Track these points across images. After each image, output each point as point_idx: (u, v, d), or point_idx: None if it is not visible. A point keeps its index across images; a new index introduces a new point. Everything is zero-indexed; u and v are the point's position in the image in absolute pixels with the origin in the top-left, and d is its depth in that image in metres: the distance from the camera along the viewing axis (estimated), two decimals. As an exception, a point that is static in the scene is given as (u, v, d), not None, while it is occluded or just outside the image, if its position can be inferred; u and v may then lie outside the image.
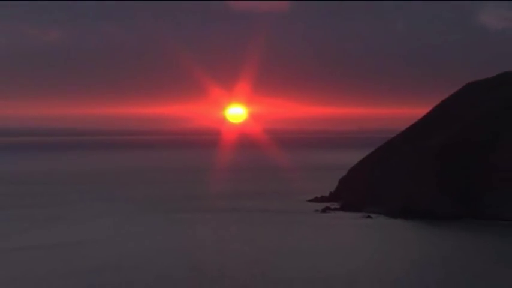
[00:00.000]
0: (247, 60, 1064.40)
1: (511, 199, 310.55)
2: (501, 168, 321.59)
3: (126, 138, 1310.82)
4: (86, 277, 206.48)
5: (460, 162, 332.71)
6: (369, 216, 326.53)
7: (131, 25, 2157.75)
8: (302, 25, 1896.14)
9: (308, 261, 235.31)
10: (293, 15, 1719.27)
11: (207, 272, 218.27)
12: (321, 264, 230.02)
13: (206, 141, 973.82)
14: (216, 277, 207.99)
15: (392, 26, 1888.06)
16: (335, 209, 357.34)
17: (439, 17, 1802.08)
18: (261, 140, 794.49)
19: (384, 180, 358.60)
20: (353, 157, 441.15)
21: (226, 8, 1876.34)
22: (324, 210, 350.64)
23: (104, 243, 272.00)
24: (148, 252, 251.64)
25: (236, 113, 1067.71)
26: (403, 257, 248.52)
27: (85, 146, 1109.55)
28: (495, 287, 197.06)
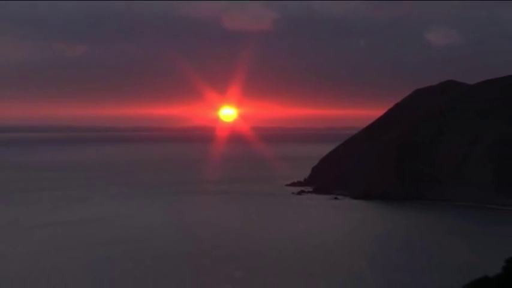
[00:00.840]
0: (238, 69, 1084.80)
1: (449, 184, 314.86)
2: (442, 160, 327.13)
3: (136, 134, 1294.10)
4: (108, 247, 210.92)
5: (410, 154, 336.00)
6: (336, 198, 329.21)
7: (143, 43, 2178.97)
8: (283, 41, 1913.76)
9: (287, 234, 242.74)
10: (275, 34, 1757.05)
11: (205, 242, 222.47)
12: (298, 236, 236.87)
13: (202, 136, 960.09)
14: (212, 247, 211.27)
15: (356, 43, 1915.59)
16: (308, 192, 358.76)
17: (394, 36, 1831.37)
18: (248, 136, 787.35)
19: (349, 168, 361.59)
20: (324, 150, 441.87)
21: (222, 27, 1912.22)
22: (299, 193, 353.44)
23: (118, 220, 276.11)
24: (154, 227, 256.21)
25: (228, 113, 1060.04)
26: (365, 230, 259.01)
27: (103, 140, 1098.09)
28: (443, 251, 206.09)
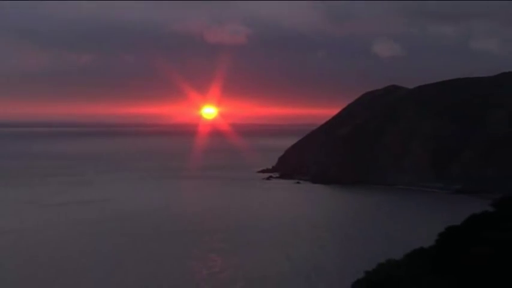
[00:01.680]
0: (218, 75, 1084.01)
1: (391, 171, 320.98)
2: (385, 151, 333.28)
3: (131, 129, 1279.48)
4: (110, 224, 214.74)
5: (360, 146, 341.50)
6: (298, 182, 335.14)
7: (139, 53, 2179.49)
8: (256, 52, 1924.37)
9: (259, 211, 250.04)
10: (249, 46, 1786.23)
11: (191, 219, 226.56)
12: (269, 212, 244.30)
13: (187, 132, 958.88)
14: (197, 222, 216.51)
15: (316, 54, 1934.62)
16: (276, 177, 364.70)
17: (347, 48, 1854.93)
18: (227, 131, 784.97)
19: (309, 157, 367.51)
20: (288, 142, 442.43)
21: (205, 41, 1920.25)
22: (268, 178, 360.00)
23: (120, 200, 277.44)
24: (149, 206, 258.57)
25: (209, 111, 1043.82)
26: (323, 208, 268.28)
27: (106, 134, 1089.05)
28: (388, 225, 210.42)
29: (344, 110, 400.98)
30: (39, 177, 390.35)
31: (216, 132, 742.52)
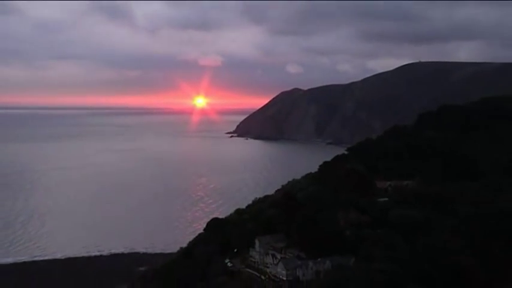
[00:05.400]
0: (205, 80, 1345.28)
1: (294, 132, 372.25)
2: (291, 122, 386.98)
3: (153, 111, 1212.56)
4: (149, 159, 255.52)
5: (279, 119, 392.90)
6: (246, 138, 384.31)
7: (160, 71, 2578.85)
8: (226, 70, 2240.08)
9: (225, 152, 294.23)
10: (223, 66, 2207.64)
11: (188, 157, 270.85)
12: (229, 153, 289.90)
13: (186, 113, 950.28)
14: (192, 159, 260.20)
15: (256, 71, 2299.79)
16: (235, 136, 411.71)
17: (274, 68, 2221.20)
18: (210, 113, 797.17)
19: (252, 125, 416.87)
20: (242, 117, 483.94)
21: (198, 64, 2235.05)
22: (231, 137, 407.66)
23: (150, 148, 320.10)
24: (167, 151, 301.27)
25: (199, 101, 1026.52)
26: (258, 151, 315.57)
27: (139, 114, 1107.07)
28: (291, 158, 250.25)
29: (270, 101, 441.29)
30: (108, 136, 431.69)
31: (204, 118, 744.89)
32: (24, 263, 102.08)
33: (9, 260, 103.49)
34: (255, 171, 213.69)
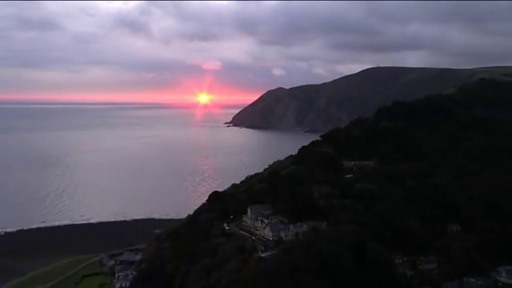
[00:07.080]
0: (207, 80, 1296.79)
1: (278, 123, 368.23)
2: (277, 114, 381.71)
3: (166, 106, 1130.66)
4: (161, 146, 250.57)
5: (267, 112, 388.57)
6: (240, 127, 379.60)
7: (171, 74, 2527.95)
8: (225, 72, 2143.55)
9: (222, 139, 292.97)
10: (222, 70, 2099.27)
11: (194, 142, 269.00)
12: (226, 140, 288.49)
13: (189, 111, 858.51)
14: (196, 144, 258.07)
15: (247, 74, 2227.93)
16: (231, 126, 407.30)
17: (260, 71, 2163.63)
18: (213, 110, 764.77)
19: (246, 116, 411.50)
20: (237, 110, 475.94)
21: (202, 68, 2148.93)
22: (227, 126, 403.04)
23: (164, 135, 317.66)
24: (178, 138, 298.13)
25: (203, 98, 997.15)
26: (250, 138, 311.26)
27: (155, 108, 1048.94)
28: (271, 143, 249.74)
29: (259, 97, 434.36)
30: (128, 126, 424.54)
31: (207, 112, 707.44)
32: (67, 225, 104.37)
33: (56, 223, 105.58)
34: (250, 154, 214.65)
